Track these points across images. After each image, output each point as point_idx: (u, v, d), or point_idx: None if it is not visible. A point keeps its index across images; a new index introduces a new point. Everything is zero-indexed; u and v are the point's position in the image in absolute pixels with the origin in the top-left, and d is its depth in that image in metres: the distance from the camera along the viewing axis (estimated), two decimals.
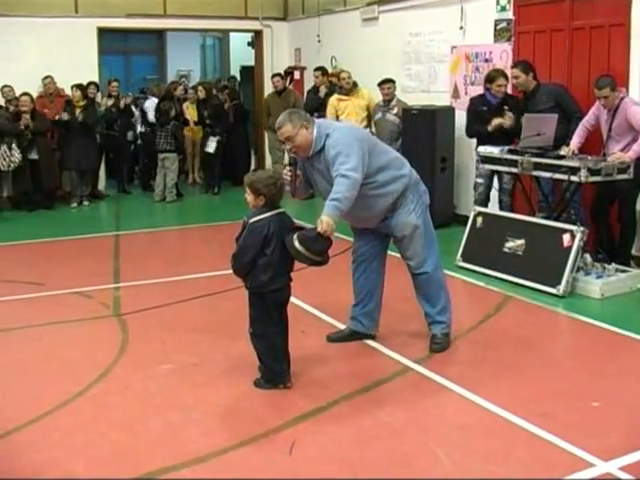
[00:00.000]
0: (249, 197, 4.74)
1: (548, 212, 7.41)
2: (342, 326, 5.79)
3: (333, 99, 10.76)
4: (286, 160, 12.42)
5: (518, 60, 8.17)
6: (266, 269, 4.66)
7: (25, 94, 11.25)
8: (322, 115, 10.58)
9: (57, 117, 11.37)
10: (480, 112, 8.36)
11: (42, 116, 11.35)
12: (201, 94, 12.84)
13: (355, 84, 10.69)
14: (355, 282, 5.62)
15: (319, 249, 4.67)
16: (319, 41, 12.86)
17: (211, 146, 12.58)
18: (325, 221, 4.65)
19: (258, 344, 4.81)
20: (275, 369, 4.79)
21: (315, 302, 6.46)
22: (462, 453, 3.96)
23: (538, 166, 7.12)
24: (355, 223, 5.52)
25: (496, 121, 8.07)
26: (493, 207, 8.34)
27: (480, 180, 8.39)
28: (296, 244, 4.58)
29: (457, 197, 9.85)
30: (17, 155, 10.99)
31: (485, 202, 8.33)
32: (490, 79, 8.34)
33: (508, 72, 8.39)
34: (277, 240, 4.65)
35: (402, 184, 5.20)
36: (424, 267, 5.37)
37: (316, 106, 11.27)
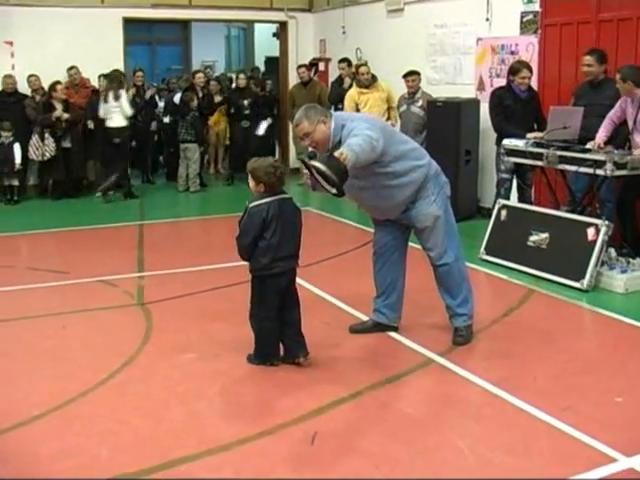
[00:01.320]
0: (251, 183, 4.91)
1: (573, 206, 7.37)
2: (364, 317, 5.79)
3: (353, 92, 10.70)
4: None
5: (593, 48, 7.81)
6: (266, 252, 4.81)
7: (58, 82, 11.33)
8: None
9: (55, 115, 11.16)
10: (507, 106, 8.19)
11: (73, 106, 11.42)
12: (242, 82, 12.96)
13: (374, 77, 10.64)
14: (376, 274, 5.61)
15: (337, 167, 4.46)
16: (344, 32, 12.83)
17: (262, 128, 12.64)
18: (340, 151, 4.56)
19: (254, 324, 4.99)
20: (261, 349, 4.99)
21: (338, 293, 6.47)
22: (484, 446, 3.96)
23: (563, 159, 7.08)
24: (375, 214, 5.52)
25: (534, 134, 7.74)
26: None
27: (506, 176, 8.25)
28: (315, 163, 4.51)
29: (481, 190, 9.82)
30: (51, 144, 11.09)
31: (508, 198, 8.24)
32: (514, 71, 8.20)
33: (534, 65, 8.33)
34: (277, 224, 4.79)
35: (421, 174, 5.17)
36: (444, 258, 5.34)
37: (340, 97, 11.24)
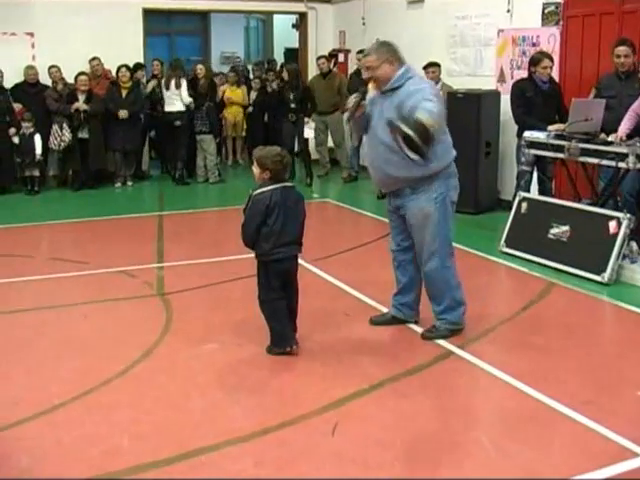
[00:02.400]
0: (255, 170, 5.04)
1: (594, 198, 7.33)
2: (384, 309, 5.78)
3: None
4: (330, 143, 12.45)
5: (624, 38, 7.60)
6: (268, 238, 4.94)
7: (82, 73, 11.38)
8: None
9: (74, 107, 11.24)
10: (529, 98, 8.12)
11: (97, 97, 11.47)
12: (286, 76, 12.19)
13: None
14: (395, 271, 5.60)
15: (424, 134, 4.41)
16: (364, 24, 12.80)
17: (309, 133, 12.15)
18: (427, 116, 4.52)
19: (264, 309, 5.09)
20: (278, 330, 5.04)
21: (357, 285, 6.46)
22: (505, 439, 3.95)
23: (585, 152, 7.04)
24: (375, 177, 5.38)
25: (555, 127, 7.66)
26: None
27: (526, 168, 8.11)
28: (404, 127, 4.43)
29: (501, 182, 9.77)
30: (67, 135, 11.15)
31: (528, 191, 8.16)
32: (535, 61, 8.12)
33: (555, 57, 8.27)
34: (279, 211, 4.91)
35: (435, 166, 5.01)
36: (429, 264, 5.24)
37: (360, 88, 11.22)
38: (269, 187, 4.94)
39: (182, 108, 11.76)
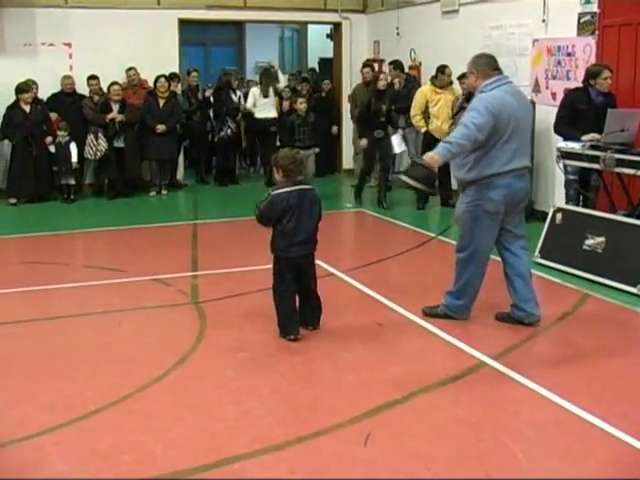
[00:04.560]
0: (274, 172, 5.60)
1: (630, 210, 7.26)
2: (417, 319, 5.87)
3: (426, 89, 10.68)
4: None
5: None
6: (281, 237, 5.43)
7: (115, 83, 11.52)
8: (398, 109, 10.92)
9: (109, 117, 11.39)
10: (580, 110, 7.91)
11: (131, 107, 11.59)
12: (382, 84, 10.80)
13: (451, 80, 10.61)
14: None
15: (422, 176, 5.48)
16: (398, 34, 12.80)
17: (396, 143, 10.59)
18: (430, 156, 5.35)
19: (274, 296, 5.56)
20: (283, 318, 5.49)
21: (392, 295, 6.46)
22: (538, 451, 3.92)
23: (621, 162, 6.98)
24: None
25: (589, 136, 7.54)
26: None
27: (573, 177, 7.95)
28: (402, 177, 5.59)
29: (535, 192, 9.70)
30: (103, 144, 11.27)
31: (577, 200, 8.03)
32: (595, 74, 7.88)
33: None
34: (294, 213, 5.36)
35: (474, 172, 5.49)
36: (458, 253, 5.80)
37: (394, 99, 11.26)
38: (286, 189, 5.38)
39: (275, 114, 12.56)
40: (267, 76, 12.75)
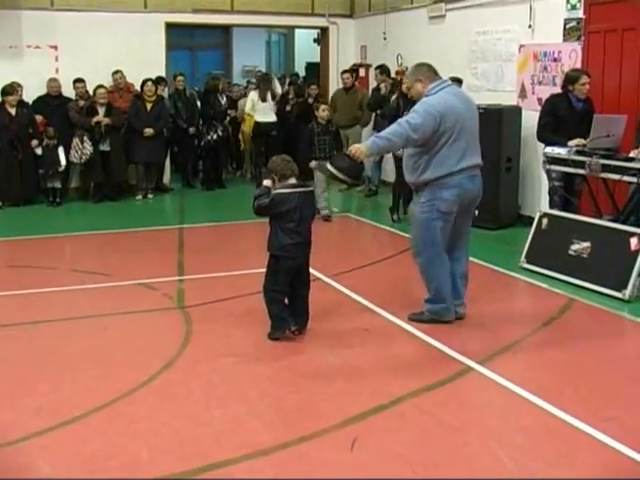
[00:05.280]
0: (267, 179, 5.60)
1: (616, 215, 7.29)
2: (404, 324, 5.86)
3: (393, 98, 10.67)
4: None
5: None
6: (280, 237, 5.43)
7: (101, 86, 11.49)
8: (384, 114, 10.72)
9: (95, 120, 11.37)
10: (561, 117, 7.93)
11: (117, 110, 11.56)
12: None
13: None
14: None
15: (345, 166, 5.56)
16: (385, 39, 12.82)
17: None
18: (356, 147, 5.56)
19: (266, 296, 5.57)
20: (276, 314, 5.52)
21: (377, 300, 6.46)
22: (525, 456, 3.93)
23: (606, 168, 7.01)
24: None
25: (575, 141, 7.55)
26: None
27: (559, 183, 7.93)
28: (327, 165, 5.66)
29: (522, 197, 9.74)
30: (89, 147, 11.23)
31: (563, 206, 7.97)
32: (573, 79, 7.91)
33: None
34: (295, 214, 5.41)
35: (425, 178, 5.62)
36: (417, 258, 5.90)
37: (379, 104, 11.27)
38: (289, 190, 5.43)
39: (275, 119, 12.65)
40: (265, 81, 12.88)
